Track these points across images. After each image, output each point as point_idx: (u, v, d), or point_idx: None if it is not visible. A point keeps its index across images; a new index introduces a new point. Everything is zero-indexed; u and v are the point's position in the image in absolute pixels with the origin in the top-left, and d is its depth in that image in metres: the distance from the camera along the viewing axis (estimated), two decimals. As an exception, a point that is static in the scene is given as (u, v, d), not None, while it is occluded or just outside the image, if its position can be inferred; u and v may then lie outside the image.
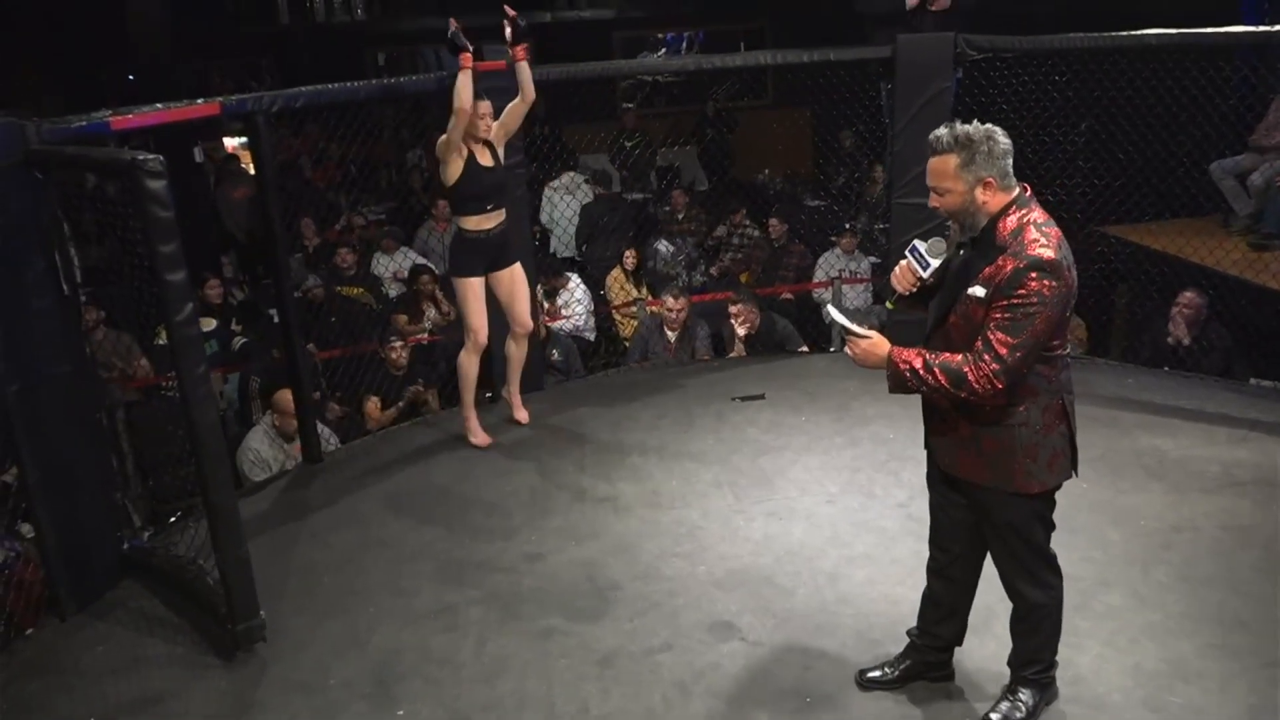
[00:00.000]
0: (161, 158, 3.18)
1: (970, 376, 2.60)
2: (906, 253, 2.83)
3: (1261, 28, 5.49)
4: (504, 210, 4.81)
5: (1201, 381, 5.36)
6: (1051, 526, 2.84)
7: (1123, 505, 4.15)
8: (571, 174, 9.26)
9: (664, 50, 15.49)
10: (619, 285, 7.59)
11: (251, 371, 6.24)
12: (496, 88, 5.09)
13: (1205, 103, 5.31)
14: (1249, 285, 5.82)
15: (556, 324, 6.86)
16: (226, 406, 6.17)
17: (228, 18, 14.68)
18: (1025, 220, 2.61)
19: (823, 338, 7.02)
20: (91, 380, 3.90)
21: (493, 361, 5.26)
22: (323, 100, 4.73)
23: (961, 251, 2.74)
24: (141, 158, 3.15)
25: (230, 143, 12.69)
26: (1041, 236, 2.58)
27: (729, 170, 11.34)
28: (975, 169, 2.59)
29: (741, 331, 6.21)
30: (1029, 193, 2.66)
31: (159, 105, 4.11)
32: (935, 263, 2.79)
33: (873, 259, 7.73)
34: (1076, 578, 3.67)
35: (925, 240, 2.82)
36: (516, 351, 5.11)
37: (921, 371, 2.67)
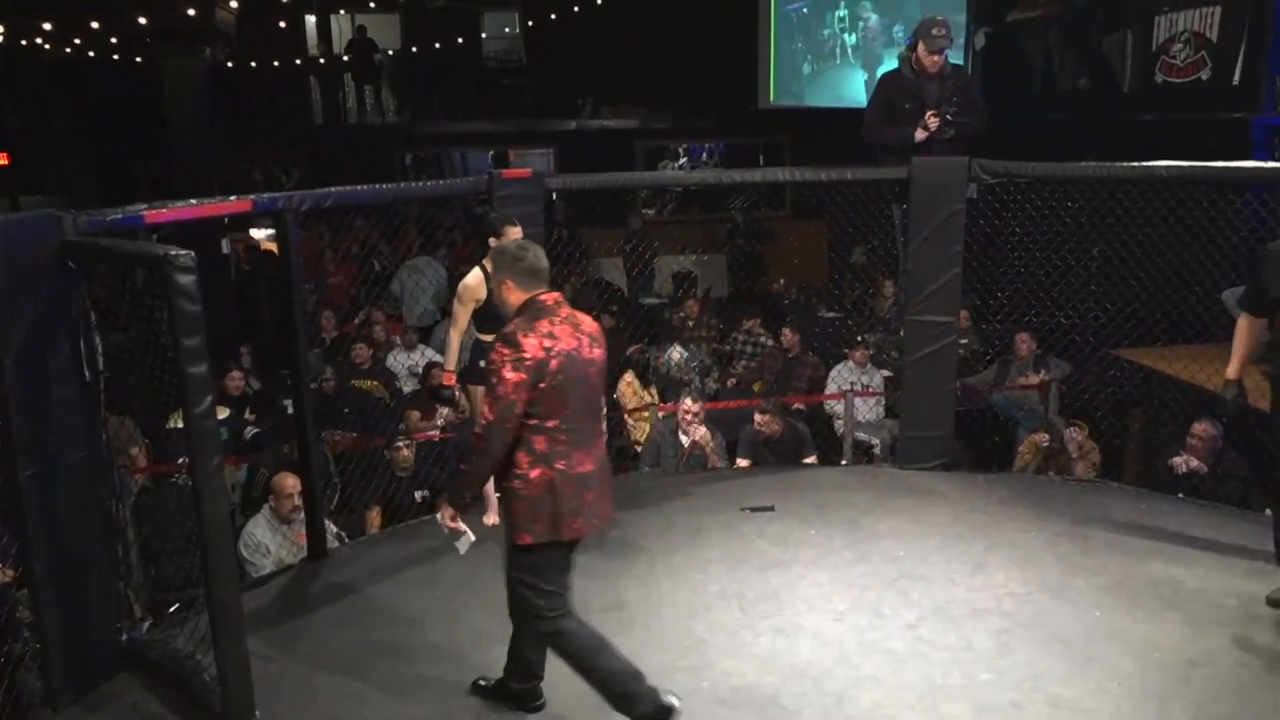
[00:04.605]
0: (192, 253, 3.26)
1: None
2: None
3: (1270, 164, 5.60)
4: None
5: (1217, 510, 5.30)
6: (543, 581, 3.34)
7: (1139, 635, 4.07)
8: (427, 257, 10.59)
9: (684, 160, 15.89)
10: (632, 390, 7.62)
11: (261, 464, 6.25)
12: (517, 195, 5.23)
13: (1216, 234, 5.39)
14: (1263, 414, 5.79)
15: (568, 426, 6.86)
16: (237, 501, 6.16)
17: (263, 115, 15.21)
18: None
19: (833, 450, 7.01)
20: (106, 467, 3.91)
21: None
22: (351, 201, 4.85)
23: None
24: (173, 253, 3.22)
25: (258, 234, 13.00)
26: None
27: (758, 281, 11.53)
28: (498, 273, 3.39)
29: (764, 435, 6.23)
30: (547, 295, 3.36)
31: (192, 201, 4.23)
32: None
33: (885, 373, 7.77)
34: (1093, 710, 3.59)
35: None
36: None
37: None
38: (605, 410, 3.65)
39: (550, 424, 3.25)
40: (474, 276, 4.76)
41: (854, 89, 11.77)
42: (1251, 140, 7.72)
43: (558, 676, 3.86)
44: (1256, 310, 4.17)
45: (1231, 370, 4.13)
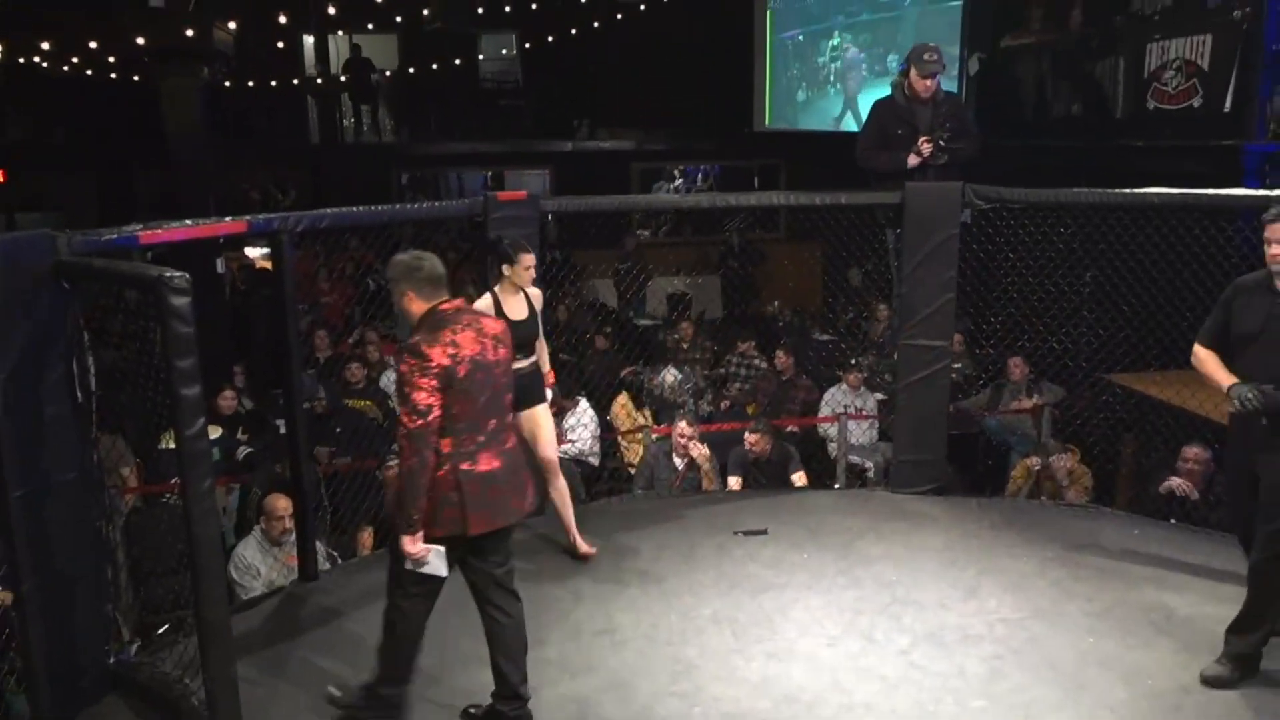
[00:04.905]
0: (187, 275, 3.25)
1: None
2: None
3: (1260, 191, 5.64)
4: (534, 354, 4.86)
5: (1209, 536, 5.29)
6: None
7: (1131, 662, 4.06)
8: None
9: (680, 181, 15.96)
10: (625, 412, 7.62)
11: (254, 484, 6.23)
12: (512, 217, 5.25)
13: (1208, 260, 5.42)
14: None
15: (561, 447, 6.85)
16: (227, 523, 6.12)
17: (260, 134, 15.26)
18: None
19: (826, 473, 7.01)
20: (96, 488, 3.90)
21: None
22: (347, 222, 4.85)
23: None
24: (167, 275, 3.21)
25: (252, 253, 13.02)
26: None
27: (750, 303, 11.56)
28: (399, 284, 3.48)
29: (753, 457, 6.24)
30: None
31: (187, 221, 4.23)
32: None
33: (879, 396, 7.78)
34: (1083, 739, 3.59)
35: None
36: (555, 493, 5.03)
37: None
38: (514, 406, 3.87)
39: (457, 426, 3.38)
40: (484, 302, 4.72)
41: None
42: (1242, 167, 7.77)
43: (550, 696, 3.86)
44: (1213, 343, 4.17)
45: (1224, 380, 4.09)
